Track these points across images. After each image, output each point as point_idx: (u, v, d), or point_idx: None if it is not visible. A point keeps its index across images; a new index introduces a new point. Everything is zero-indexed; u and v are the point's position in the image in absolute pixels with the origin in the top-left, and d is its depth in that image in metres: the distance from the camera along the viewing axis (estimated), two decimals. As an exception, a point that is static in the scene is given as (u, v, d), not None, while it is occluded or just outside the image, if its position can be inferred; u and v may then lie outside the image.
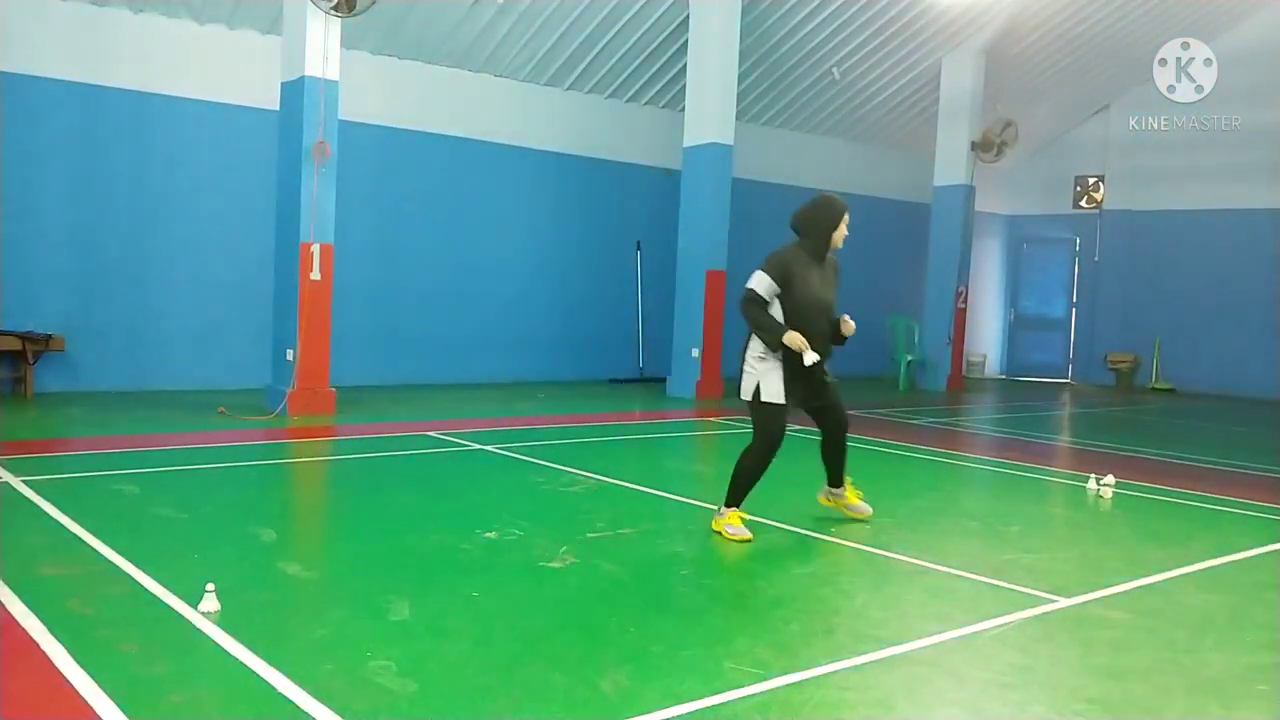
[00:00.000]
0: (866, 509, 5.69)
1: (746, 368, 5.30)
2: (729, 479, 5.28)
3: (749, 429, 5.39)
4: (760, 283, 5.15)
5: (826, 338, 5.27)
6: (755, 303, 5.15)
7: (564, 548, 4.81)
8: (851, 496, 5.71)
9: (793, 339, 5.03)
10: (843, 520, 5.69)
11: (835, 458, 5.62)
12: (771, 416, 5.20)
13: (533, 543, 4.94)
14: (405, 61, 11.90)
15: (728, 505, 5.26)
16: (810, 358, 5.04)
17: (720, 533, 5.18)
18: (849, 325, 5.29)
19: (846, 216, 5.29)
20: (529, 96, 12.98)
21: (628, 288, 14.16)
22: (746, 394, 5.28)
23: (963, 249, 15.27)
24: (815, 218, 5.25)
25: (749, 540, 5.08)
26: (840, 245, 5.32)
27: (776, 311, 5.16)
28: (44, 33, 9.78)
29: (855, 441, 9.04)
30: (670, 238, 12.81)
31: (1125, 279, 17.60)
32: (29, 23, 9.71)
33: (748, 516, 5.29)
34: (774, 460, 5.29)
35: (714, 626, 3.84)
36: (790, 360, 5.13)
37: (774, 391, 5.16)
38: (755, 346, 5.25)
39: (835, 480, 5.67)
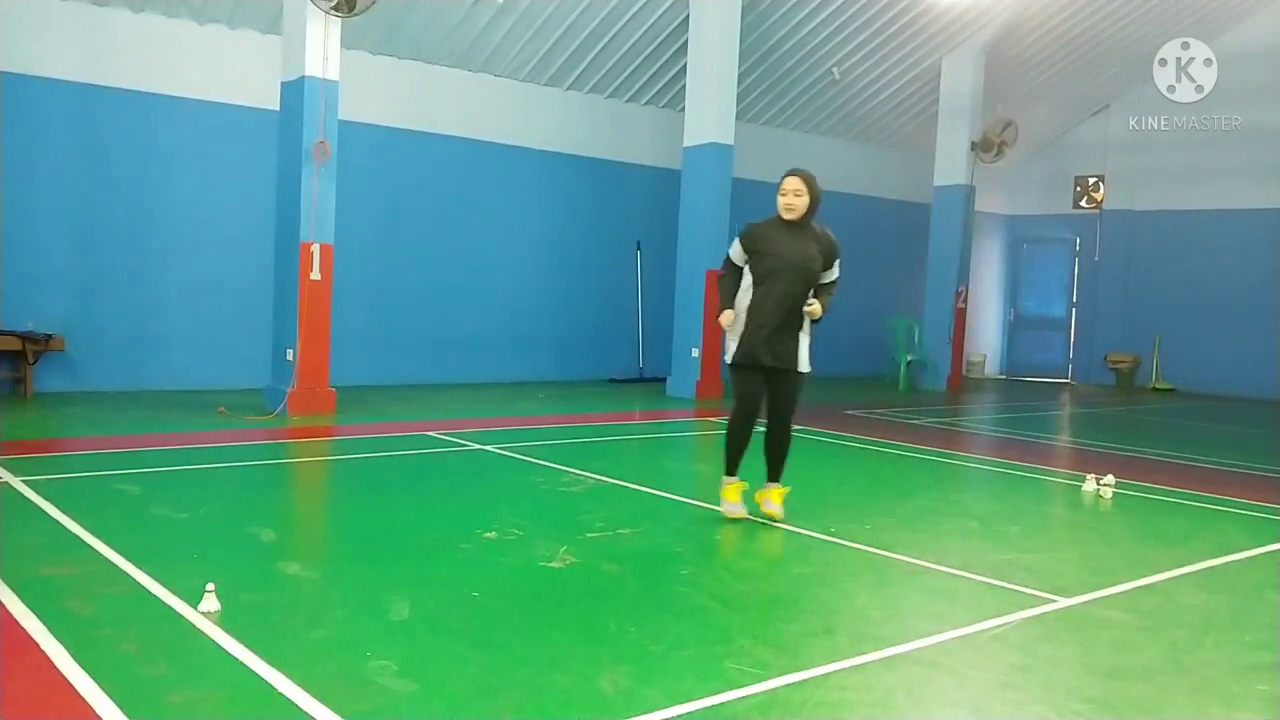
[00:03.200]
0: (777, 510, 5.56)
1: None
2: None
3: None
4: (733, 248, 5.54)
5: (793, 302, 5.34)
6: (725, 268, 5.56)
7: (564, 547, 4.81)
8: (775, 495, 5.60)
9: (723, 318, 5.42)
10: (843, 520, 5.69)
11: (772, 452, 5.66)
12: (734, 381, 5.49)
13: (533, 543, 4.94)
14: (405, 61, 11.90)
15: (725, 474, 5.56)
16: (730, 343, 5.43)
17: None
18: (813, 308, 5.34)
19: (783, 183, 5.43)
20: (529, 96, 12.98)
21: (628, 288, 14.16)
22: (728, 357, 5.54)
23: (963, 249, 15.27)
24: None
25: (740, 518, 5.32)
26: (786, 214, 5.39)
27: (745, 279, 5.44)
28: (44, 33, 9.78)
29: (856, 442, 9.11)
30: (670, 238, 12.81)
31: (1125, 279, 17.60)
32: (29, 23, 9.71)
33: (785, 491, 5.58)
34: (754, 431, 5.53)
35: (714, 626, 3.84)
36: (750, 323, 5.36)
37: (728, 351, 5.48)
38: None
39: (773, 473, 5.68)
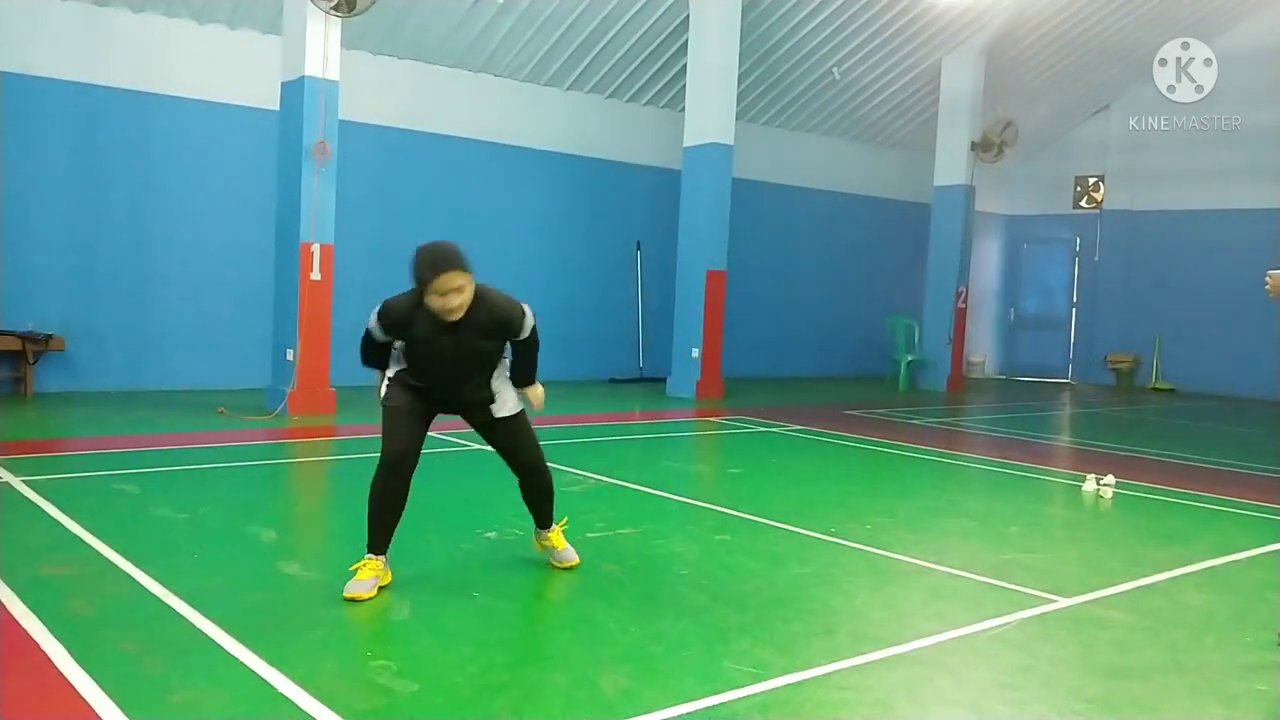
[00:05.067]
0: (573, 557, 4.50)
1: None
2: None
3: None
4: (373, 325, 4.05)
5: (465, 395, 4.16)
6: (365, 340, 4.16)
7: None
8: (556, 539, 4.51)
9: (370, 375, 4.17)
10: (843, 520, 5.69)
11: (533, 502, 4.48)
12: (383, 420, 4.12)
13: (533, 542, 4.93)
14: (405, 61, 11.90)
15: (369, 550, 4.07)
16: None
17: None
18: (536, 394, 4.43)
19: (445, 282, 3.77)
20: (529, 96, 12.98)
21: (628, 288, 14.15)
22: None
23: (963, 249, 15.27)
24: (415, 267, 3.85)
25: (358, 598, 3.88)
26: (445, 317, 3.86)
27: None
28: (44, 33, 9.78)
29: (856, 442, 9.11)
30: (670, 238, 12.81)
31: (1125, 279, 17.59)
32: (29, 23, 9.71)
33: (563, 524, 4.55)
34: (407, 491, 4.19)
35: (714, 626, 3.84)
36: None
37: (382, 388, 4.19)
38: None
39: (540, 521, 4.51)
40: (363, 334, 4.13)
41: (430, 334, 3.91)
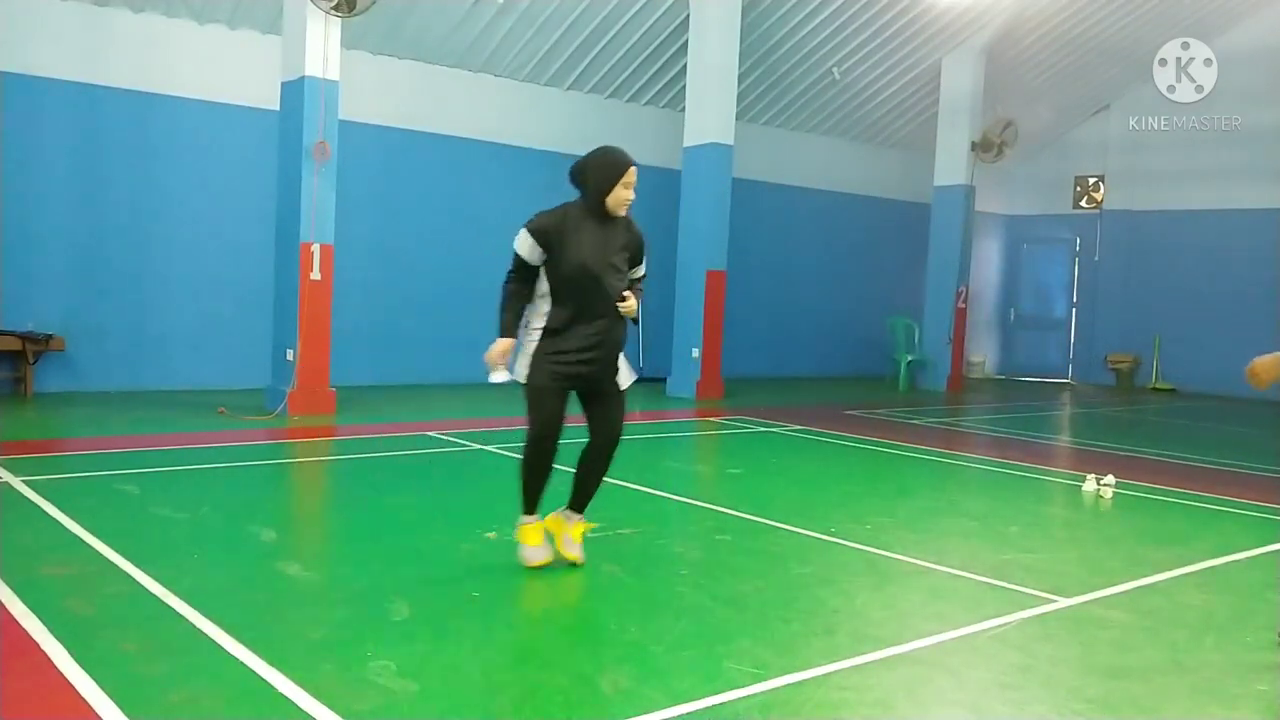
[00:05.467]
0: (579, 554, 4.53)
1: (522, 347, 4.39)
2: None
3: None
4: (521, 242, 4.23)
5: (607, 316, 4.27)
6: (513, 271, 4.30)
7: (564, 548, 4.80)
8: (576, 533, 4.54)
9: (493, 351, 4.26)
10: (843, 520, 5.69)
11: (590, 474, 4.51)
12: (530, 402, 4.31)
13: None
14: (405, 61, 11.90)
15: (524, 512, 4.45)
16: (496, 376, 4.28)
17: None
18: (628, 304, 4.31)
19: (629, 176, 4.24)
20: (529, 96, 12.98)
21: (628, 288, 14.14)
22: (519, 374, 4.34)
23: (963, 249, 15.27)
24: (590, 172, 4.26)
25: (539, 565, 4.38)
26: (620, 212, 4.29)
27: (544, 282, 4.28)
28: (44, 33, 9.78)
29: (856, 442, 9.11)
30: (670, 238, 12.81)
31: (1125, 279, 17.59)
32: (29, 23, 9.71)
33: (591, 526, 4.63)
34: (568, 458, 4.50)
35: (714, 626, 3.84)
36: (549, 336, 4.28)
37: (523, 369, 4.32)
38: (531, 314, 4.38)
39: (579, 504, 4.55)
40: (507, 274, 4.30)
41: (580, 238, 4.20)
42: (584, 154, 4.36)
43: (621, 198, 4.24)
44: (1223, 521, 6.29)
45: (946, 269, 15.27)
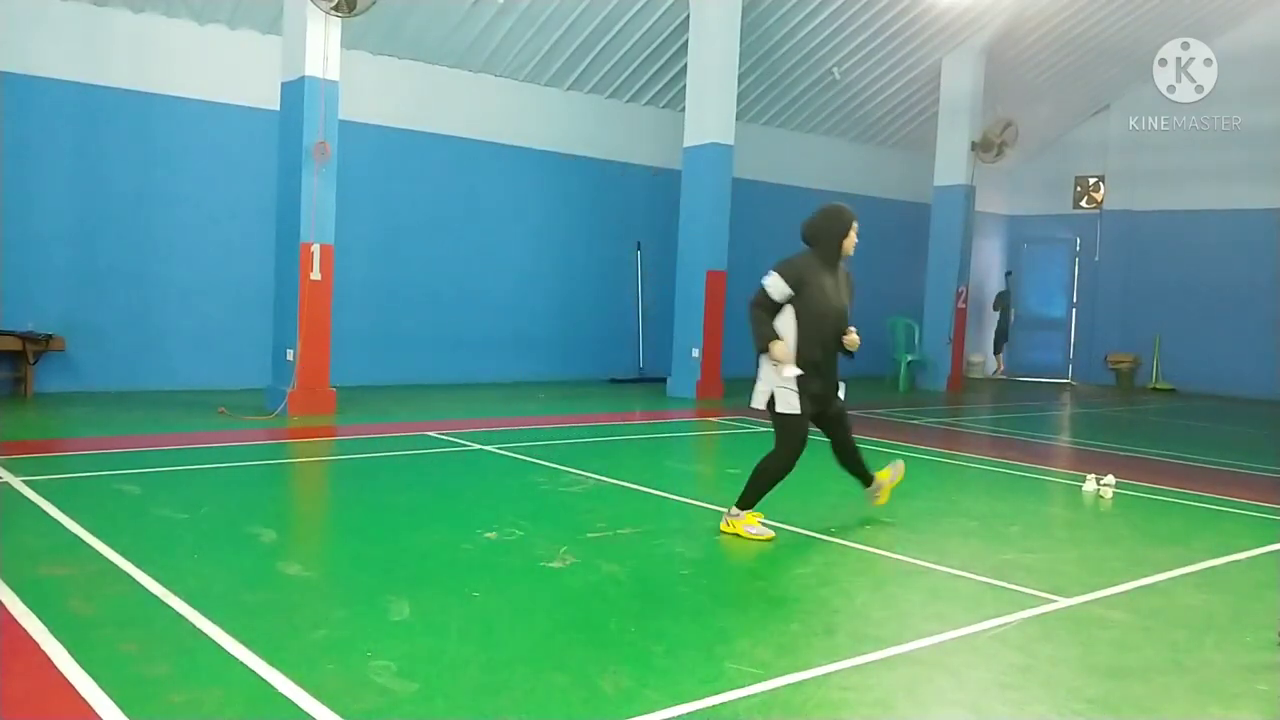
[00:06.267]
0: (890, 479, 5.93)
1: (760, 374, 5.27)
2: (748, 479, 5.26)
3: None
4: (774, 284, 5.17)
5: (837, 346, 5.33)
6: (760, 304, 5.21)
7: (564, 548, 4.81)
8: (882, 476, 5.90)
9: (776, 350, 5.09)
10: (842, 520, 5.70)
11: (853, 464, 5.75)
12: (791, 428, 5.22)
13: (533, 543, 4.94)
14: (405, 61, 11.90)
15: (740, 507, 5.24)
16: (789, 371, 5.10)
17: (737, 534, 5.19)
18: (852, 339, 5.32)
19: (856, 225, 5.39)
20: (529, 96, 12.98)
21: (628, 288, 14.15)
22: (758, 402, 5.26)
23: (963, 249, 15.27)
24: (825, 226, 5.33)
25: (771, 539, 5.13)
26: (851, 253, 5.39)
27: (788, 317, 5.17)
28: (44, 33, 9.78)
29: (856, 442, 9.07)
30: (670, 238, 12.81)
31: (1125, 279, 17.59)
32: (29, 23, 9.71)
33: (894, 482, 5.85)
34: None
35: (714, 626, 3.84)
36: (805, 374, 5.16)
37: (789, 403, 5.16)
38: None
39: (866, 479, 5.82)
40: (753, 309, 5.23)
41: (819, 273, 5.23)
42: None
43: (853, 242, 5.37)
44: (1222, 521, 6.29)
45: (946, 269, 15.27)
